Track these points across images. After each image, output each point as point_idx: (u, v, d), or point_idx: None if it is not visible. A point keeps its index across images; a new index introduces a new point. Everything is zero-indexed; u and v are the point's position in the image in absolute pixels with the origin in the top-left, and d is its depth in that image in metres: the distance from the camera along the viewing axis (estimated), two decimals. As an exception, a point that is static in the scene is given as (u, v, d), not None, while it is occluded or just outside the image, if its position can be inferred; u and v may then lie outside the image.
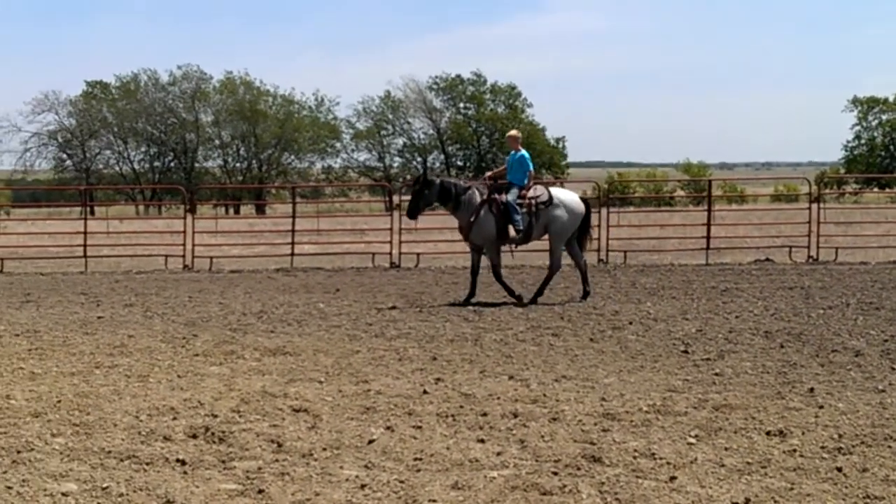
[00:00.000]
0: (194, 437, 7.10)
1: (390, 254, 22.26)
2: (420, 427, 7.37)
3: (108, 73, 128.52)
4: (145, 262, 22.22)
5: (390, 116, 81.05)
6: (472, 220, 14.99)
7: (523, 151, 15.48)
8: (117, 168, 79.34)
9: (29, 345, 11.29)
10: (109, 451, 6.68)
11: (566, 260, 15.97)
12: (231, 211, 58.53)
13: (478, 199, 15.05)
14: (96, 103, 79.19)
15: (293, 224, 23.82)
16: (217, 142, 78.74)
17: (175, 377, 9.36)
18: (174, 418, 7.64)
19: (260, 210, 56.50)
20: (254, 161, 78.67)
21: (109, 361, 10.15)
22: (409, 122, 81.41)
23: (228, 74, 79.06)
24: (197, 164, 79.21)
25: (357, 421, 7.58)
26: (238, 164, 79.34)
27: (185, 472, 6.26)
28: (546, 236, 15.48)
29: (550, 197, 15.16)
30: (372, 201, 63.99)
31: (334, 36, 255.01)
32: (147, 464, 6.42)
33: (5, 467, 6.35)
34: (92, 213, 32.33)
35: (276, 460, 6.52)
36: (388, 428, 7.33)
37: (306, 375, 9.41)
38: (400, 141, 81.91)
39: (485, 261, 15.30)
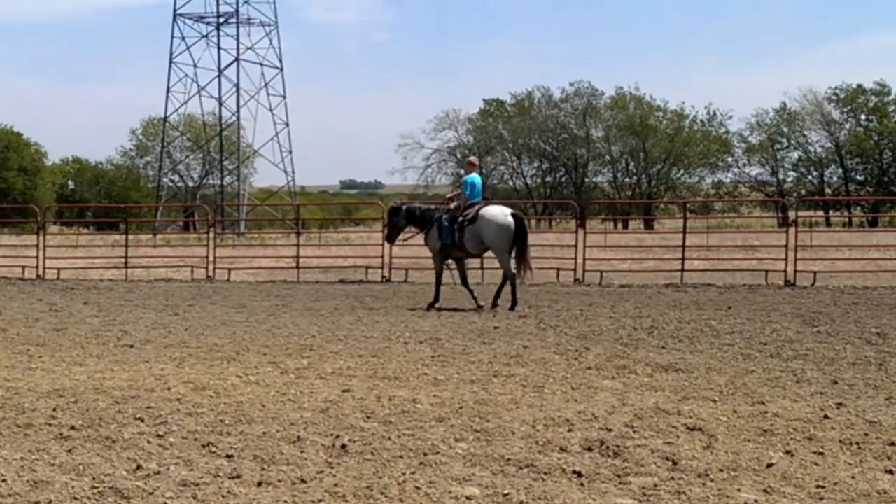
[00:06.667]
0: (589, 449, 7.19)
1: (785, 271, 21.56)
2: (822, 453, 7.05)
3: (504, 91, 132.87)
4: (538, 275, 22.78)
5: (785, 129, 78.09)
6: (425, 236, 17.50)
7: (468, 176, 17.70)
8: (511, 183, 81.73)
9: (432, 352, 11.92)
10: (509, 459, 6.90)
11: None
12: (619, 226, 58.85)
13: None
14: (493, 120, 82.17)
15: (683, 239, 23.57)
16: (607, 157, 79.32)
17: (569, 389, 9.53)
18: (569, 430, 7.77)
19: (648, 225, 56.41)
20: (643, 176, 78.67)
21: (506, 371, 10.51)
22: (804, 135, 78.12)
23: (619, 90, 79.52)
24: (587, 179, 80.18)
25: (754, 443, 7.37)
26: (627, 180, 79.61)
27: (581, 485, 6.34)
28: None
29: (476, 214, 16.82)
30: (764, 217, 62.17)
31: (728, 48, 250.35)
32: (545, 473, 6.56)
33: (413, 468, 6.71)
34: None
35: (672, 478, 6.46)
36: (787, 452, 7.08)
37: (699, 393, 9.27)
38: (795, 154, 78.79)
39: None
